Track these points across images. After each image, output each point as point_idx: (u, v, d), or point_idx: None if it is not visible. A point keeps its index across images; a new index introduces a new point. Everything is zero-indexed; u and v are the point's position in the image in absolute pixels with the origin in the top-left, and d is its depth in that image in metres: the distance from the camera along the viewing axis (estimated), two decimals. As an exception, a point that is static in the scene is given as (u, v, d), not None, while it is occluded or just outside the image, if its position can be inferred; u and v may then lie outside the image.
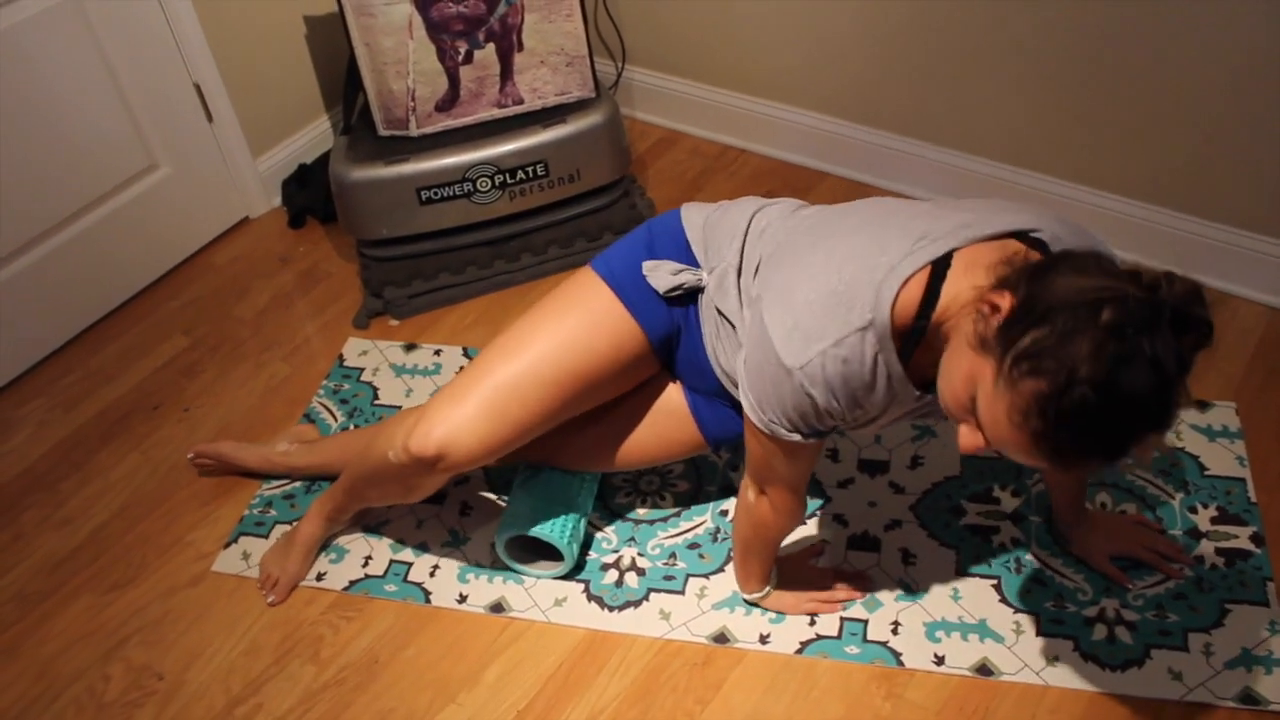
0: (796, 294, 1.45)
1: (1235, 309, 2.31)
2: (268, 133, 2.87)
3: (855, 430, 1.61)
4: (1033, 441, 1.22)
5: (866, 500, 2.04)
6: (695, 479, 2.11)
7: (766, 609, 1.89)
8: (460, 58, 2.39)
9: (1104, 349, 1.15)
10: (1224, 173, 2.23)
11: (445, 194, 2.40)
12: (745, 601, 1.89)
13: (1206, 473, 2.01)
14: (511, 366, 1.66)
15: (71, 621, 2.01)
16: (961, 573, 1.90)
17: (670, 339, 1.77)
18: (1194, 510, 1.95)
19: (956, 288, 1.36)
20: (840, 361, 1.40)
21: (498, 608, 1.94)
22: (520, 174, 2.42)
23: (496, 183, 2.41)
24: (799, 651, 1.83)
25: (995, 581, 1.88)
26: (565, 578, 1.98)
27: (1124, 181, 2.37)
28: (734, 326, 1.64)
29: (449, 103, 2.44)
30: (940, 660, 1.79)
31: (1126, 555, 1.88)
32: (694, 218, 1.76)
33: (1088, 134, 2.36)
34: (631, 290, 1.71)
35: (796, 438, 1.51)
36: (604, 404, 1.83)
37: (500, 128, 2.45)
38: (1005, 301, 1.24)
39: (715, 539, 2.00)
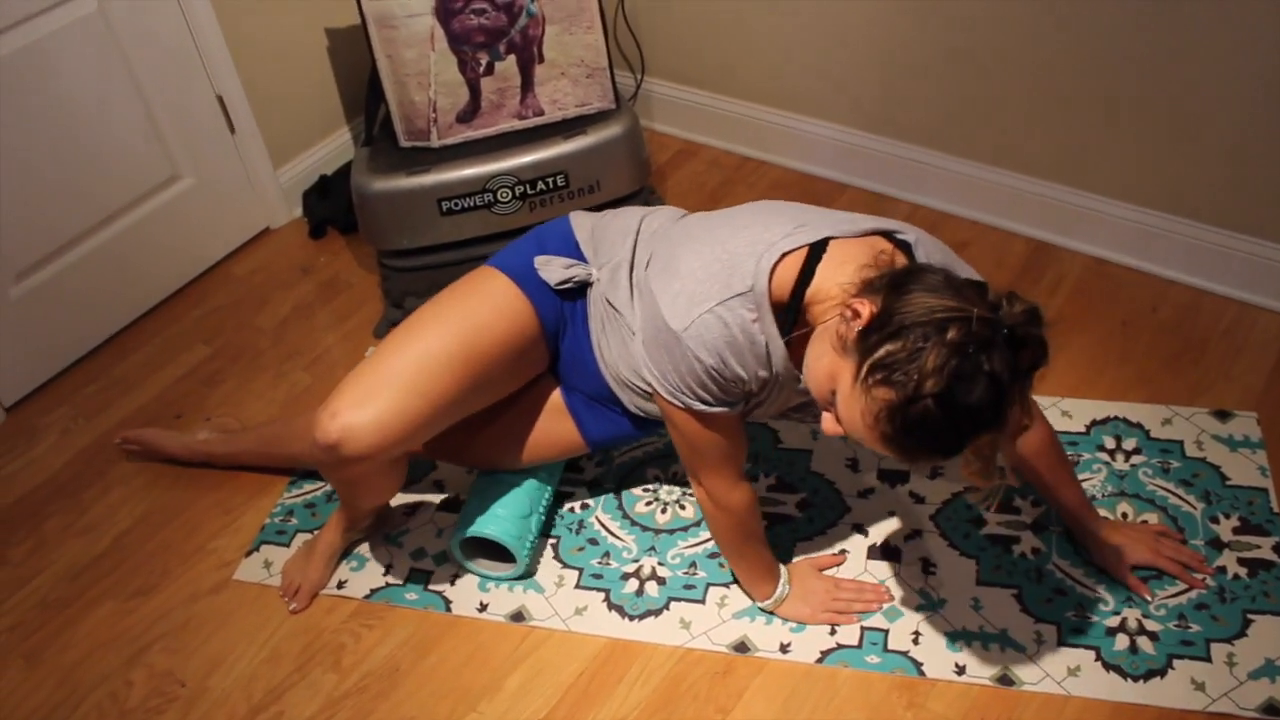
0: (683, 265, 1.58)
1: (1256, 320, 2.30)
2: (289, 144, 2.89)
3: (759, 411, 1.70)
4: (881, 440, 1.35)
5: (886, 510, 2.04)
6: (715, 488, 2.11)
7: (785, 619, 1.89)
8: (481, 69, 2.40)
9: (947, 366, 1.28)
10: (1245, 183, 2.23)
11: (466, 205, 2.41)
12: (761, 610, 1.89)
13: (1228, 483, 2.00)
14: (409, 352, 1.68)
15: (94, 628, 2.02)
16: (982, 582, 1.90)
17: (558, 331, 1.83)
18: (1216, 520, 1.94)
19: (828, 274, 1.50)
20: (721, 324, 1.52)
21: (518, 616, 1.95)
22: (540, 185, 2.43)
23: (517, 193, 2.42)
24: (820, 661, 1.83)
25: (1016, 591, 1.88)
26: (520, 579, 2.01)
27: (1146, 192, 2.37)
28: (623, 317, 1.71)
29: (470, 114, 2.45)
30: (961, 670, 1.79)
31: (1148, 565, 1.88)
32: (583, 222, 1.86)
33: (1109, 145, 2.36)
34: (525, 280, 1.78)
35: (705, 407, 1.60)
36: (498, 404, 1.87)
37: (521, 139, 2.46)
38: (865, 310, 1.36)
39: (735, 548, 2.00)
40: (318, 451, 1.66)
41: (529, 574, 2.02)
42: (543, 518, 2.02)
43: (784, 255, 1.51)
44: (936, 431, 1.31)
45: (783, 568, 1.88)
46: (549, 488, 2.04)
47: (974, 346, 1.29)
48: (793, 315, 1.52)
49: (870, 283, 1.40)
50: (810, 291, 1.50)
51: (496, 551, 2.00)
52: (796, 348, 1.55)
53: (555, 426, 1.92)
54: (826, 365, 1.40)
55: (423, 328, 1.72)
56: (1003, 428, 1.36)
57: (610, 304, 1.74)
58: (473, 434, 1.95)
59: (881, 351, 1.31)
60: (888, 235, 1.55)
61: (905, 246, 1.54)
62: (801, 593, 1.89)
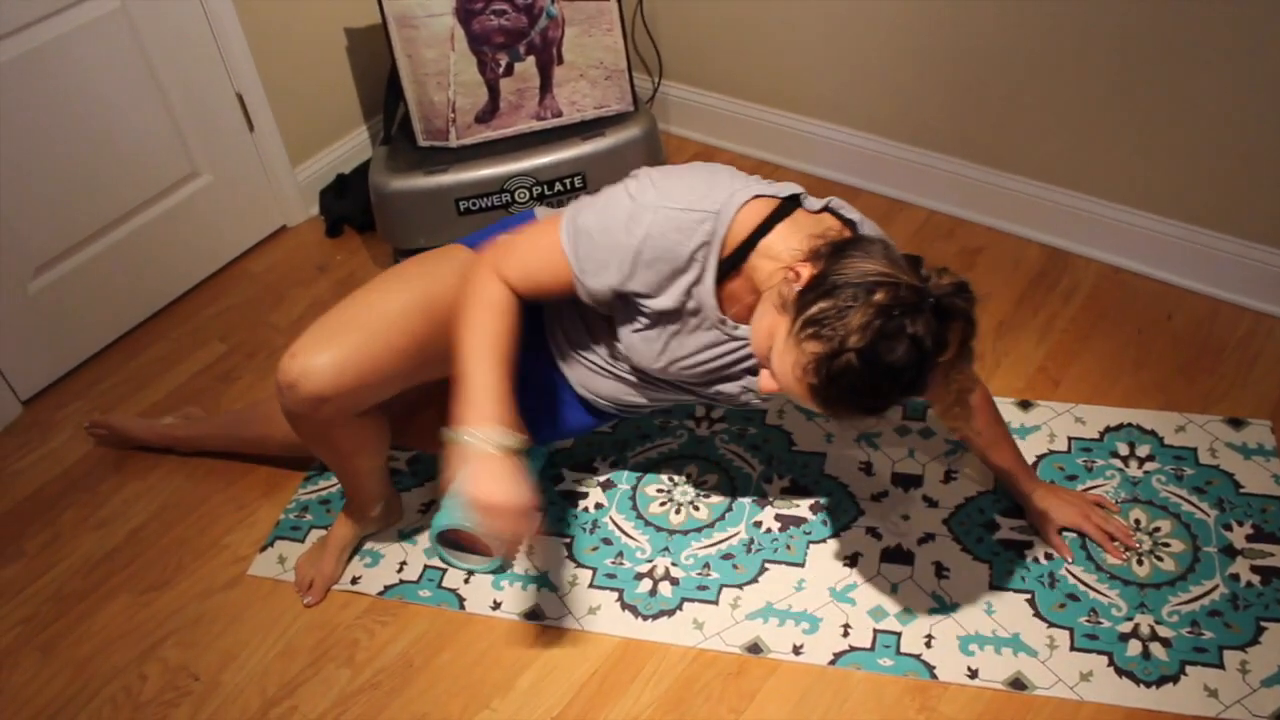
0: (662, 178, 1.63)
1: (1271, 329, 2.31)
2: (307, 142, 2.90)
3: (680, 357, 1.71)
4: (809, 392, 1.42)
5: (900, 514, 2.04)
6: (729, 490, 2.11)
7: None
8: (501, 70, 2.42)
9: (871, 325, 1.36)
10: (1263, 192, 2.23)
11: (483, 205, 2.42)
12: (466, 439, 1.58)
13: (1242, 490, 2.00)
14: (369, 302, 1.72)
15: (109, 622, 2.03)
16: (995, 587, 1.90)
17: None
18: (1229, 528, 1.94)
19: (784, 233, 1.58)
20: (674, 226, 1.57)
21: (532, 614, 1.95)
22: (558, 186, 2.44)
23: (535, 194, 2.43)
24: (832, 663, 1.83)
25: (1029, 596, 1.88)
26: (496, 573, 2.02)
27: (1162, 201, 2.37)
28: None
29: (489, 114, 2.46)
30: (974, 674, 1.79)
31: (1075, 529, 1.95)
32: (548, 211, 1.91)
33: (1125, 153, 2.36)
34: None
35: (569, 254, 1.62)
36: (443, 384, 1.84)
37: (539, 140, 2.47)
38: (806, 271, 1.45)
39: (749, 550, 2.01)
40: (281, 395, 1.68)
41: (505, 567, 2.03)
42: None
43: (757, 197, 1.60)
44: (858, 386, 1.38)
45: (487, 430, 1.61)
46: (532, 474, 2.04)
47: (899, 310, 1.36)
48: (736, 260, 1.60)
49: (814, 250, 1.48)
50: (763, 243, 1.58)
51: (473, 542, 2.01)
52: (728, 299, 1.64)
53: None
54: (768, 323, 1.49)
55: (384, 284, 1.76)
56: (922, 393, 1.45)
57: None
58: (414, 414, 1.98)
59: (815, 308, 1.40)
60: (836, 213, 1.65)
61: (851, 224, 1.64)
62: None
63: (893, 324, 1.36)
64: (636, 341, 1.71)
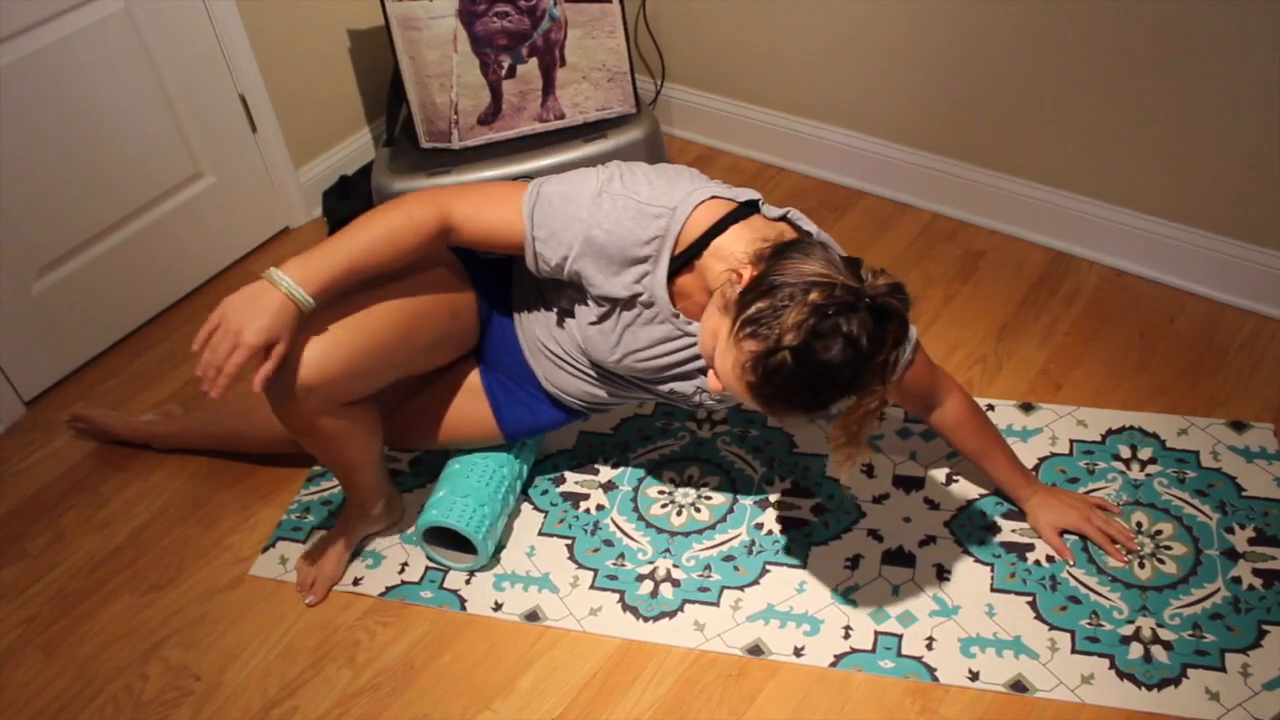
0: (633, 174, 1.69)
1: (1275, 333, 2.30)
2: (310, 144, 2.90)
3: (633, 351, 1.75)
4: (749, 390, 1.45)
5: (902, 516, 2.04)
6: (731, 492, 2.12)
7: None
8: (503, 72, 2.42)
9: (805, 323, 1.39)
10: (1265, 195, 2.23)
11: (486, 206, 2.42)
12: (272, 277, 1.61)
13: (1244, 494, 2.00)
14: (355, 298, 1.72)
15: (111, 621, 2.03)
16: (996, 589, 1.90)
17: (491, 303, 1.95)
18: (1231, 531, 1.94)
19: (736, 235, 1.62)
20: (631, 215, 1.63)
21: (533, 616, 1.95)
22: (560, 187, 2.44)
23: (536, 195, 2.43)
24: (833, 665, 1.83)
25: (1030, 598, 1.88)
26: (483, 569, 2.03)
27: (1164, 205, 2.38)
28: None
29: (491, 116, 2.46)
30: (975, 676, 1.79)
31: (1075, 531, 1.96)
32: None
33: (1129, 157, 2.36)
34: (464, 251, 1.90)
35: (526, 216, 1.68)
36: (418, 381, 1.98)
37: (541, 141, 2.47)
38: (748, 273, 1.49)
39: (750, 551, 2.01)
40: (268, 392, 1.69)
41: (491, 565, 2.04)
42: (507, 503, 2.04)
43: (714, 199, 1.65)
44: (793, 383, 1.41)
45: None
46: (514, 473, 2.06)
47: (834, 309, 1.39)
48: (688, 257, 1.65)
49: (759, 253, 1.51)
50: (715, 243, 1.63)
51: (459, 540, 2.03)
52: (681, 295, 1.69)
53: (470, 408, 1.99)
54: (712, 324, 1.52)
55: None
56: (859, 393, 1.48)
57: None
58: (392, 410, 2.01)
59: (753, 308, 1.43)
60: (793, 224, 1.69)
61: (806, 235, 1.67)
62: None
63: (827, 323, 1.39)
64: (592, 333, 1.76)
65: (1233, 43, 2.10)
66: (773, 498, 2.10)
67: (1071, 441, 2.12)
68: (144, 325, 2.68)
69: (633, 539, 2.06)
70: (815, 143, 2.85)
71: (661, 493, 2.13)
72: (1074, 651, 1.80)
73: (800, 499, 2.09)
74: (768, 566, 1.98)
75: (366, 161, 2.94)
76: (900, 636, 1.86)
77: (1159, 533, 1.95)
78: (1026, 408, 2.20)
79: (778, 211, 1.69)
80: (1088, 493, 2.03)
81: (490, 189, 1.75)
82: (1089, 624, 1.83)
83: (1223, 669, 1.75)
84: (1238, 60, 2.11)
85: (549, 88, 2.46)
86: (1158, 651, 1.79)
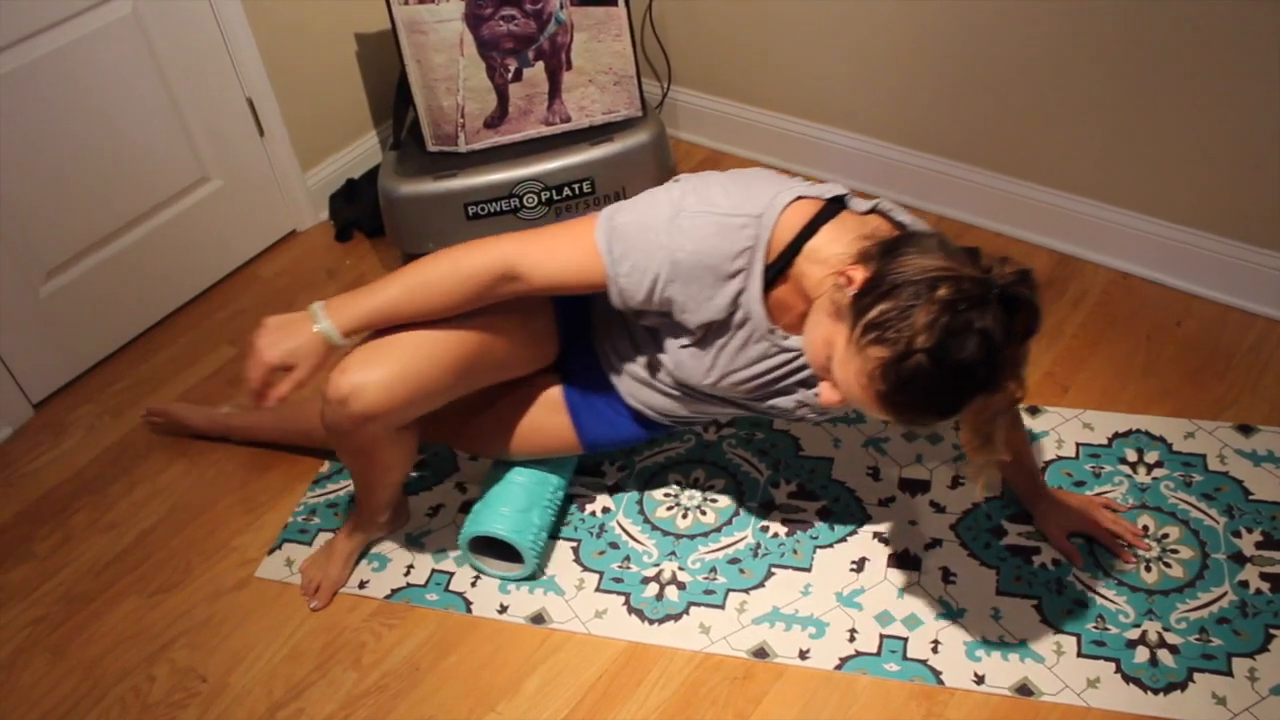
0: (701, 185, 1.61)
1: (1281, 337, 2.31)
2: (317, 147, 2.91)
3: (728, 373, 1.67)
4: (878, 400, 1.37)
5: (907, 519, 2.04)
6: (736, 494, 2.12)
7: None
8: (510, 75, 2.42)
9: (938, 322, 1.31)
10: (1272, 198, 2.23)
11: (492, 209, 2.43)
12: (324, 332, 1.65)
13: (1251, 497, 1.99)
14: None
15: (118, 623, 2.04)
16: (1002, 592, 1.90)
17: (571, 320, 1.89)
18: (1238, 535, 1.94)
19: (830, 236, 1.54)
20: (715, 230, 1.55)
21: (538, 618, 1.96)
22: (567, 191, 2.44)
23: (543, 199, 2.44)
24: (838, 667, 1.83)
25: (1036, 602, 1.88)
26: (527, 579, 2.02)
27: (1171, 208, 2.37)
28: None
29: (498, 119, 2.47)
30: (980, 679, 1.78)
31: (1084, 533, 1.94)
32: None
33: (1135, 160, 2.36)
34: None
35: (604, 253, 1.59)
36: (498, 390, 1.91)
37: (547, 145, 2.47)
38: (859, 275, 1.40)
39: (756, 554, 2.01)
40: (328, 410, 1.68)
41: (535, 575, 2.02)
42: (553, 518, 2.03)
43: (800, 199, 1.56)
44: (929, 388, 1.33)
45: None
46: (561, 486, 2.05)
47: (965, 304, 1.31)
48: (781, 265, 1.56)
49: (864, 251, 1.44)
50: (808, 247, 1.55)
51: (504, 550, 2.01)
52: (776, 307, 1.60)
53: (550, 421, 1.94)
54: (823, 333, 1.44)
55: None
56: (996, 390, 1.38)
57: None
58: (469, 418, 1.98)
59: (875, 311, 1.35)
60: (884, 215, 1.60)
61: (900, 227, 1.58)
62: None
63: (960, 320, 1.31)
64: (685, 358, 1.68)
65: (1238, 46, 2.09)
66: (778, 501, 2.10)
67: (1078, 445, 2.12)
68: (152, 328, 2.69)
69: (638, 541, 2.06)
70: (822, 146, 2.85)
71: (667, 495, 2.13)
72: (1080, 655, 1.80)
73: (806, 502, 2.09)
74: (773, 569, 1.98)
75: (374, 165, 2.95)
76: (906, 639, 1.85)
77: (1165, 536, 1.95)
78: (1033, 411, 2.19)
79: (866, 204, 1.60)
80: (1095, 495, 2.02)
81: (555, 231, 1.66)
82: (1095, 627, 1.83)
83: (1229, 673, 1.75)
84: (1244, 63, 2.11)
85: (555, 91, 2.46)
86: (1164, 655, 1.78)
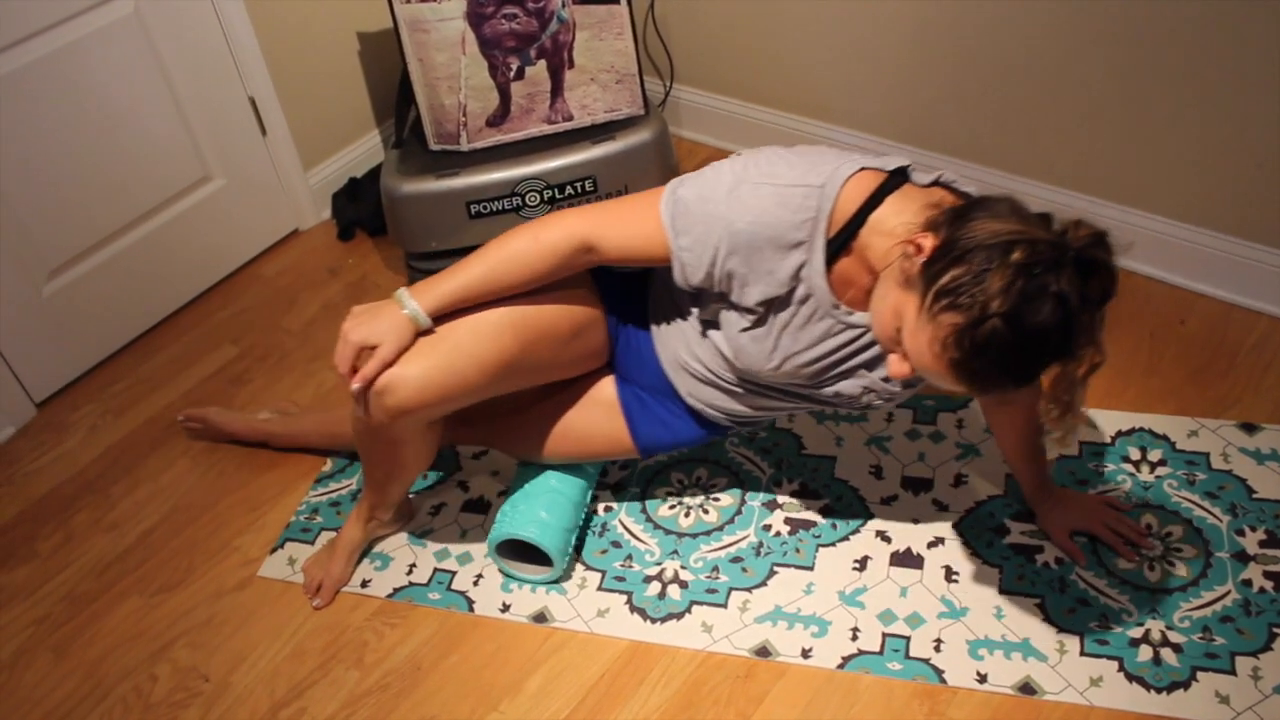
0: (758, 158, 1.58)
1: (1283, 332, 2.30)
2: (319, 146, 2.91)
3: (791, 355, 1.64)
4: (951, 369, 1.34)
5: (910, 517, 2.03)
6: (739, 493, 2.11)
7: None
8: (512, 74, 2.42)
9: (1013, 286, 1.28)
10: (1275, 196, 2.22)
11: (495, 208, 2.42)
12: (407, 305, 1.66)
13: (1255, 496, 1.99)
14: (463, 314, 1.68)
15: (120, 622, 2.04)
16: (1005, 591, 1.90)
17: (621, 316, 1.86)
18: (1242, 533, 1.93)
19: (895, 207, 1.50)
20: (777, 201, 1.52)
21: (540, 617, 1.95)
22: (569, 189, 2.44)
23: (545, 198, 2.44)
24: (841, 666, 1.82)
25: (1039, 600, 1.87)
26: (554, 583, 2.01)
27: (1174, 205, 2.37)
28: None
29: (500, 118, 2.46)
30: (983, 678, 1.78)
31: (1087, 532, 1.94)
32: None
33: (1138, 157, 2.35)
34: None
35: (667, 226, 1.59)
36: (549, 389, 1.90)
37: (550, 143, 2.47)
38: (928, 242, 1.37)
39: (758, 553, 2.00)
40: (357, 400, 1.68)
41: (565, 577, 2.02)
42: (581, 522, 2.02)
43: (863, 170, 1.53)
44: (1005, 353, 1.30)
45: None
46: (590, 489, 2.04)
47: (1040, 268, 1.29)
48: (845, 238, 1.53)
49: (932, 219, 1.41)
50: (873, 218, 1.51)
51: (531, 552, 2.00)
52: (839, 282, 1.57)
53: (602, 423, 1.92)
54: (892, 303, 1.41)
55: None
56: (1072, 355, 1.35)
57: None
58: (510, 416, 1.95)
59: (946, 277, 1.32)
60: (949, 187, 1.57)
61: (966, 198, 1.54)
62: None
63: (1035, 284, 1.29)
64: (745, 342, 1.65)
65: (1241, 43, 2.09)
66: (781, 499, 2.09)
67: (1081, 443, 2.11)
68: (154, 327, 2.69)
69: (640, 540, 2.06)
70: (824, 143, 2.84)
71: (669, 494, 2.13)
72: (1083, 654, 1.79)
73: (808, 500, 2.09)
74: (775, 568, 1.98)
75: (376, 164, 2.95)
76: (908, 638, 1.85)
77: (1169, 535, 1.94)
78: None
79: (929, 176, 1.57)
80: (1098, 494, 2.02)
81: (626, 203, 1.65)
82: (1098, 626, 1.83)
83: (1233, 672, 1.74)
84: (1247, 60, 2.10)
85: (557, 90, 2.46)
86: (1167, 654, 1.78)
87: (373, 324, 1.64)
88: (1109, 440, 2.12)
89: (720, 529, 2.06)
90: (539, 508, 1.95)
